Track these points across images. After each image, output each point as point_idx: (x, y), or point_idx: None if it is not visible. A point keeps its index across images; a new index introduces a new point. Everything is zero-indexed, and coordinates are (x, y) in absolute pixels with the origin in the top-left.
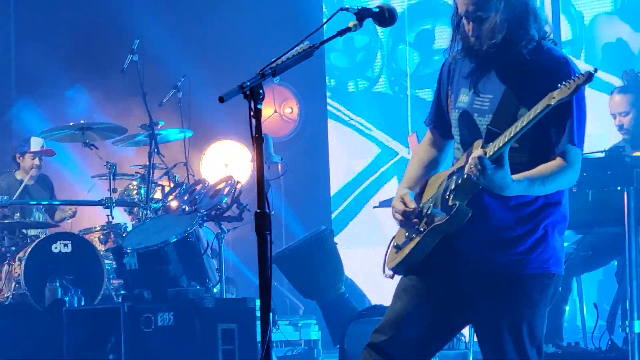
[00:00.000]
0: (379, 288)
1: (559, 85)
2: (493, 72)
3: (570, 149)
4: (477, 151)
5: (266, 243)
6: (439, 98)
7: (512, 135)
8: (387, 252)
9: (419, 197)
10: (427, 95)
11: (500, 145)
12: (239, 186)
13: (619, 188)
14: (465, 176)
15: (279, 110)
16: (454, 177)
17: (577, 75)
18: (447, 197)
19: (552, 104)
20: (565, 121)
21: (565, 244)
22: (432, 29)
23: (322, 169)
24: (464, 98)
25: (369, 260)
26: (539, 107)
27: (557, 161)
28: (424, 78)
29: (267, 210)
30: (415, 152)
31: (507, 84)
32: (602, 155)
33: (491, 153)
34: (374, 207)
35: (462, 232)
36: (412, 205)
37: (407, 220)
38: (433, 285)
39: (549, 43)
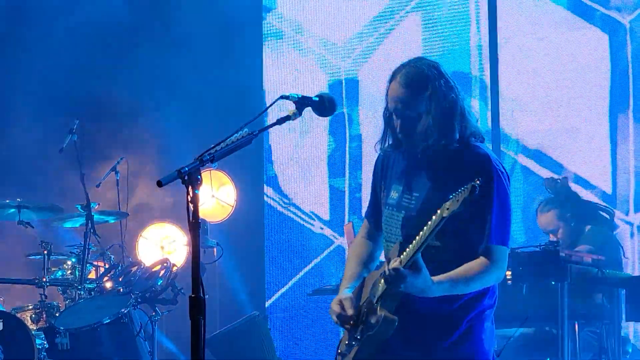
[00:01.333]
0: None
1: (450, 196)
2: (421, 170)
3: (493, 248)
4: (393, 263)
5: (199, 327)
6: (375, 193)
7: (419, 244)
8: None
9: (358, 297)
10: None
11: (411, 254)
12: (174, 269)
13: (553, 283)
14: (386, 287)
15: (216, 194)
16: (380, 285)
17: (463, 188)
18: (375, 304)
19: (445, 215)
20: (485, 220)
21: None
22: (349, 112)
23: (258, 255)
24: (394, 194)
25: (302, 347)
26: (435, 220)
27: (481, 260)
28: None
29: (202, 295)
30: (352, 246)
31: (432, 182)
32: (537, 249)
33: (405, 262)
34: (308, 294)
35: (394, 334)
36: (350, 312)
37: (344, 324)
38: None
39: (476, 141)
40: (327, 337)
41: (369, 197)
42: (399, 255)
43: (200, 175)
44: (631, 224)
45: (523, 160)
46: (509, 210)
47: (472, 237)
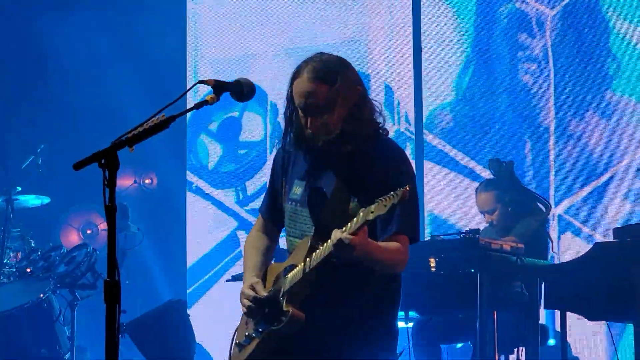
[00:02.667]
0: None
1: (376, 200)
2: (326, 165)
3: (402, 236)
4: (336, 234)
5: (114, 312)
6: (273, 188)
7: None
8: (230, 348)
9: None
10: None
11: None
12: (94, 254)
13: (472, 270)
14: (302, 274)
15: (139, 180)
16: (287, 279)
17: (393, 193)
18: (280, 299)
19: (370, 218)
20: (394, 211)
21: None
22: (239, 117)
23: (180, 241)
24: (297, 190)
25: (221, 334)
26: (359, 221)
27: (393, 242)
28: (225, 176)
29: (117, 279)
30: (248, 240)
31: (339, 177)
32: (457, 237)
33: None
34: (227, 281)
35: (298, 332)
36: (263, 293)
37: (256, 307)
38: None
39: (383, 134)
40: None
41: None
42: (309, 252)
43: (117, 158)
44: (552, 213)
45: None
46: (417, 202)
47: (382, 226)
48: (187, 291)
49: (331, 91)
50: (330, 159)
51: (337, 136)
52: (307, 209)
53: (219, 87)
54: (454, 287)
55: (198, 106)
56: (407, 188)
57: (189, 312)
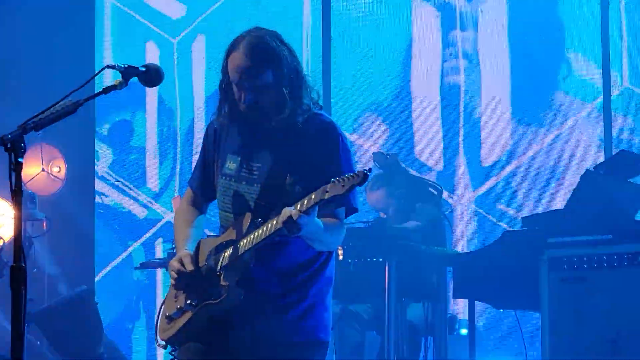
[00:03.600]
0: (142, 349)
1: (332, 180)
2: (262, 140)
3: (342, 210)
4: (285, 210)
5: (20, 299)
6: (205, 162)
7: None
8: (157, 319)
9: (195, 261)
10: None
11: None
12: (0, 243)
13: (380, 259)
14: (244, 250)
15: (47, 168)
16: (225, 254)
17: (353, 174)
18: (218, 274)
19: (326, 197)
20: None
21: None
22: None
23: (88, 229)
24: (231, 165)
25: (130, 321)
26: (313, 199)
27: (335, 221)
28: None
29: (23, 265)
30: (179, 213)
31: (276, 153)
32: (365, 226)
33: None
34: (135, 268)
35: (235, 307)
36: (190, 267)
37: (181, 282)
38: (212, 357)
39: (317, 108)
40: (154, 310)
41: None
42: (250, 228)
43: (24, 143)
44: (461, 202)
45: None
46: (353, 168)
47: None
48: (95, 279)
49: (266, 67)
50: (265, 134)
51: (272, 111)
52: (243, 184)
53: (127, 71)
54: (363, 276)
55: (106, 90)
56: (369, 170)
57: (96, 300)
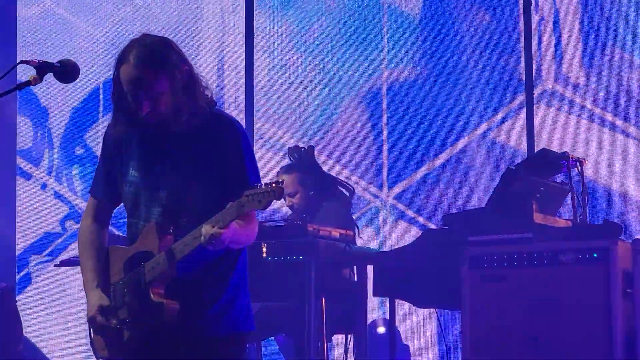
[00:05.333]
0: (59, 349)
1: (246, 194)
2: (164, 144)
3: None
4: (208, 229)
5: None
6: (106, 170)
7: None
8: (91, 338)
9: (106, 277)
10: None
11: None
12: None
13: (301, 257)
14: (168, 264)
15: None
16: (146, 269)
17: (269, 190)
18: (143, 289)
19: (244, 212)
20: (244, 180)
21: None
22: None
23: (9, 227)
24: (134, 172)
25: (52, 321)
26: (230, 214)
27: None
28: None
29: None
30: (84, 232)
31: (178, 155)
32: (284, 223)
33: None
34: (55, 266)
35: None
36: (114, 322)
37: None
38: None
39: (214, 107)
40: (78, 309)
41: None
42: (161, 233)
43: None
44: (383, 200)
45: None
46: (256, 164)
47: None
48: (16, 278)
49: (158, 74)
50: (165, 138)
51: (170, 117)
52: (148, 191)
53: (42, 67)
54: (284, 274)
55: (20, 87)
56: (282, 185)
57: (16, 299)
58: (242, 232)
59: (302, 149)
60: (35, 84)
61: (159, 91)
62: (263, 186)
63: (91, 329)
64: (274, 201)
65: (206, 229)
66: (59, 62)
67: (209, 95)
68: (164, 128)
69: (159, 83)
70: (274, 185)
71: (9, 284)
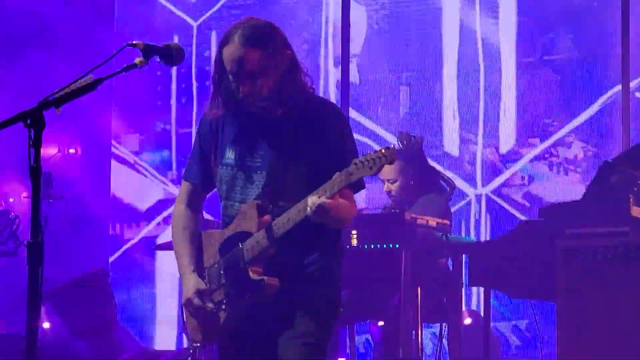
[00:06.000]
0: (152, 331)
1: (355, 162)
2: (261, 127)
3: (347, 191)
4: (314, 199)
5: (37, 275)
6: (202, 154)
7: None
8: (184, 322)
9: (199, 262)
10: None
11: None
12: (17, 221)
13: (397, 246)
14: (269, 240)
15: (63, 150)
16: (245, 247)
17: (380, 153)
18: (242, 268)
19: (353, 180)
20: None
21: None
22: None
23: (104, 209)
24: (230, 154)
25: (146, 304)
26: (338, 183)
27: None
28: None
29: (41, 241)
30: (177, 217)
31: (276, 139)
32: (381, 211)
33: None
34: (152, 249)
35: None
36: (211, 306)
37: (202, 315)
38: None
39: (313, 93)
40: (168, 294)
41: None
42: (260, 212)
43: (43, 118)
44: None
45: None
46: (357, 149)
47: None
48: (110, 260)
49: (263, 56)
50: (264, 122)
51: (269, 98)
52: (246, 172)
53: (148, 50)
54: (376, 262)
55: (127, 69)
56: (394, 146)
57: (110, 280)
58: (344, 208)
59: (413, 137)
60: (141, 67)
61: (261, 72)
62: (372, 153)
63: (186, 313)
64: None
65: (312, 200)
66: (165, 45)
67: (309, 82)
68: (262, 111)
69: (262, 63)
70: (384, 150)
71: (104, 266)
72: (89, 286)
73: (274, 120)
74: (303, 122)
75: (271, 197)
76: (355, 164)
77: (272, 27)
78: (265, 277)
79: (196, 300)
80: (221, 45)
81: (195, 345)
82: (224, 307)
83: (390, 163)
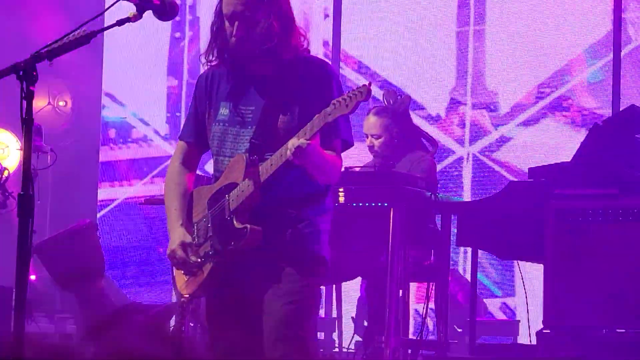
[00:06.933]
0: (136, 285)
1: (333, 102)
2: (253, 83)
3: (340, 143)
4: (295, 141)
5: (27, 227)
6: (197, 112)
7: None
8: (173, 276)
9: (188, 217)
10: None
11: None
12: (5, 173)
13: (386, 204)
14: (254, 187)
15: (53, 102)
16: (230, 198)
17: (356, 91)
18: (228, 218)
19: (329, 120)
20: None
21: None
22: None
23: (92, 164)
24: (224, 111)
25: (131, 257)
26: (316, 124)
27: (331, 153)
28: None
29: (31, 193)
30: (169, 175)
31: (267, 94)
32: (371, 169)
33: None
34: (140, 204)
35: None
36: (193, 259)
37: (184, 267)
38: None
39: (309, 55)
40: (154, 245)
41: None
42: (248, 164)
43: (36, 70)
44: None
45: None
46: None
47: (324, 135)
48: (98, 215)
49: (262, 2)
50: (256, 76)
51: (261, 54)
52: (237, 128)
53: (141, 4)
54: (364, 220)
55: (120, 23)
56: (370, 84)
57: (98, 234)
58: (327, 157)
59: (399, 96)
60: (134, 21)
61: (255, 13)
62: (349, 92)
63: (173, 266)
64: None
65: (292, 142)
66: None
67: (305, 45)
68: (257, 67)
69: (257, 7)
70: (360, 87)
71: (92, 219)
72: (76, 238)
73: (265, 77)
74: (293, 78)
75: (259, 150)
76: (333, 104)
77: None
78: (248, 225)
79: (179, 253)
80: None
81: (182, 299)
82: (210, 259)
83: (365, 100)
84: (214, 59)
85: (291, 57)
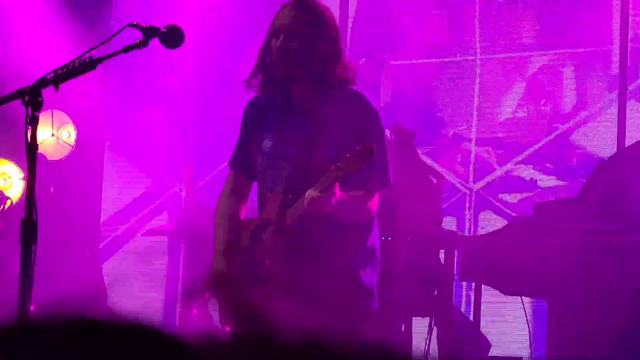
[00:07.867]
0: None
1: (347, 155)
2: (296, 115)
3: (375, 184)
4: (309, 192)
5: (30, 253)
6: (245, 140)
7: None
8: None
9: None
10: None
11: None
12: (8, 203)
13: (389, 238)
14: (279, 233)
15: (56, 133)
16: (264, 236)
17: (360, 150)
18: (258, 257)
19: (341, 175)
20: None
21: None
22: None
23: (94, 195)
24: (267, 143)
25: (136, 287)
26: (328, 178)
27: (364, 193)
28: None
29: (35, 219)
30: (222, 203)
31: (308, 128)
32: None
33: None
34: (142, 235)
35: None
36: (227, 290)
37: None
38: None
39: (354, 88)
40: (157, 277)
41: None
42: (282, 202)
43: (41, 96)
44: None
45: None
46: (387, 148)
47: (358, 177)
48: (100, 245)
49: (307, 21)
50: (298, 107)
51: (303, 74)
52: (279, 161)
53: (148, 31)
54: None
55: (126, 50)
56: (374, 145)
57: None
58: (348, 203)
59: (405, 131)
60: (141, 48)
61: (300, 30)
62: (357, 149)
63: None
64: None
65: (309, 192)
66: (166, 26)
67: (350, 75)
68: (296, 90)
69: (304, 25)
70: (365, 146)
71: (93, 251)
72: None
73: (308, 108)
74: (335, 112)
75: (296, 186)
76: (344, 159)
77: (328, 10)
78: (273, 265)
79: (214, 283)
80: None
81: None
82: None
83: (366, 161)
84: (257, 94)
85: (334, 87)
